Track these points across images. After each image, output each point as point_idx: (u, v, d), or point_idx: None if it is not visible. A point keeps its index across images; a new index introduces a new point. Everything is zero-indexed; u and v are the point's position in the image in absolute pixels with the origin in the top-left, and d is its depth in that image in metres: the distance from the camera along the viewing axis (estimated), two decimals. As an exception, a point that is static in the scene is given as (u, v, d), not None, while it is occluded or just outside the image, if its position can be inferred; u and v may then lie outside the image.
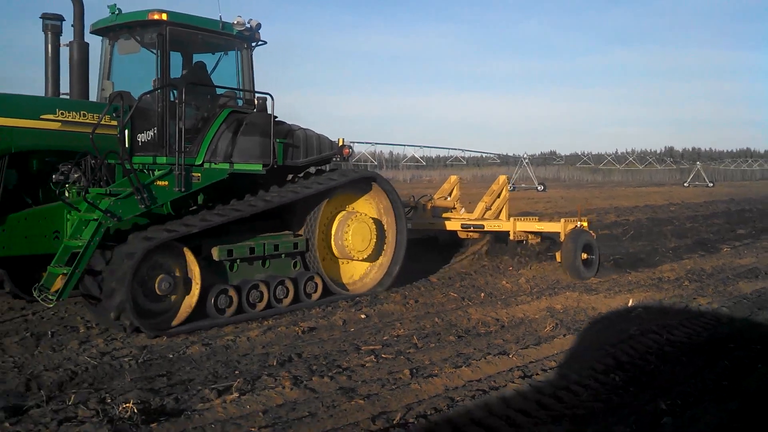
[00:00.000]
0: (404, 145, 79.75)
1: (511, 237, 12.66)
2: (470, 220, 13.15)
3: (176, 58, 9.83)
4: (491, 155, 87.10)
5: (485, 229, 12.93)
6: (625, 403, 5.69)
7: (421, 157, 76.22)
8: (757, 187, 58.16)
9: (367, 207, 10.54)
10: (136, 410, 5.25)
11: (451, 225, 13.12)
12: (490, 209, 13.53)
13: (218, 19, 9.27)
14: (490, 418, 5.26)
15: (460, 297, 10.07)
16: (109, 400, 5.64)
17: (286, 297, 9.18)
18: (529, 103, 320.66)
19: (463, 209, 13.89)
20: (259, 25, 9.59)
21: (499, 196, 13.76)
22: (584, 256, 11.83)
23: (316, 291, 9.55)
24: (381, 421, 5.24)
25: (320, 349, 7.33)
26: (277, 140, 9.28)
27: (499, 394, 5.81)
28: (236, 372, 6.49)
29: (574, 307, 9.39)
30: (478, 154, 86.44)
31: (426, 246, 13.38)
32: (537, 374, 6.40)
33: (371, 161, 75.90)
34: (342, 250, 9.95)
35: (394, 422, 5.23)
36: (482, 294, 10.30)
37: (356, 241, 9.91)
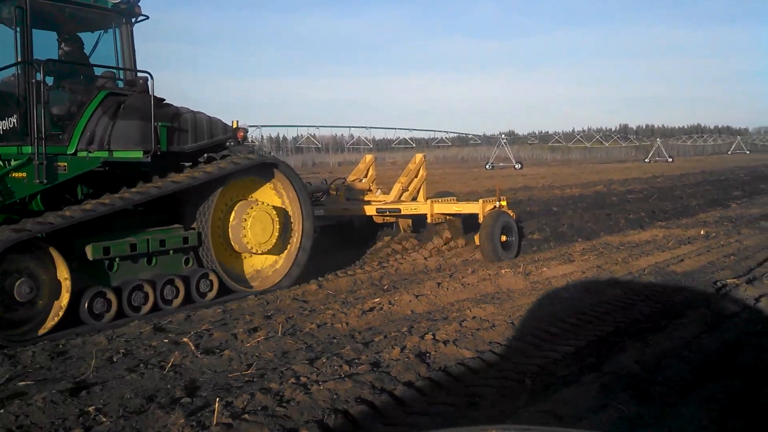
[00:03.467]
0: (368, 128, 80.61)
1: (429, 220, 12.03)
2: (386, 203, 12.43)
3: (50, 38, 8.87)
4: (473, 136, 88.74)
5: (402, 213, 12.26)
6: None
7: (368, 139, 77.00)
8: (712, 160, 63.37)
9: (270, 195, 9.71)
10: None
11: (366, 209, 12.36)
12: (407, 191, 12.84)
13: None
14: None
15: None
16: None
17: (176, 297, 8.34)
18: (483, 83, 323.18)
19: (379, 191, 13.18)
20: None
21: (416, 176, 13.06)
22: (503, 238, 11.27)
23: (211, 289, 8.70)
24: None
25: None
26: (160, 124, 8.38)
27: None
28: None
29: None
30: (444, 135, 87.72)
31: (341, 233, 12.63)
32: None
33: (317, 144, 75.71)
34: (240, 243, 9.10)
35: None
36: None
37: (256, 233, 9.08)
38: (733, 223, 14.75)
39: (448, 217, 12.38)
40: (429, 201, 12.23)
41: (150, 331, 7.21)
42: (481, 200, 11.92)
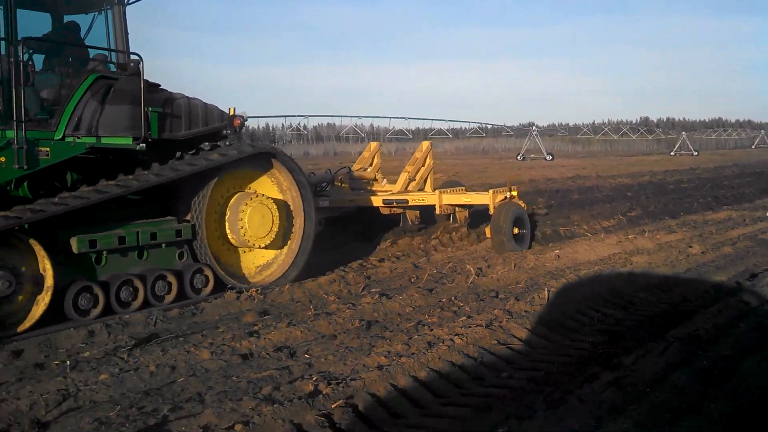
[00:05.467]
0: (390, 118, 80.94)
1: (437, 211, 11.56)
2: (393, 194, 11.93)
3: (44, 20, 8.48)
4: (505, 127, 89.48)
5: (409, 203, 11.76)
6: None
7: (406, 130, 77.64)
8: (738, 154, 63.97)
9: (269, 187, 9.24)
10: None
11: (373, 200, 11.86)
12: (414, 180, 12.34)
13: None
14: None
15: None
16: None
17: (168, 293, 7.90)
18: (498, 73, 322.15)
19: (385, 180, 12.68)
20: None
21: (423, 165, 12.56)
22: (515, 230, 10.80)
23: (206, 285, 8.26)
24: None
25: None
26: (150, 109, 7.93)
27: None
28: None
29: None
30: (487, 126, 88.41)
31: (346, 225, 12.17)
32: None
33: (359, 134, 76.00)
34: (238, 237, 8.64)
35: None
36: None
37: (254, 226, 8.61)
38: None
39: (457, 209, 11.88)
40: (437, 191, 11.74)
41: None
42: (491, 191, 11.43)
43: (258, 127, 79.55)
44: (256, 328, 6.79)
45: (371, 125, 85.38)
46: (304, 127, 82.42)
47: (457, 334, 6.15)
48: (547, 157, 54.58)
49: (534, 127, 68.76)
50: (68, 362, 5.80)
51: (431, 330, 6.45)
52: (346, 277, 9.15)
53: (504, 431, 4.23)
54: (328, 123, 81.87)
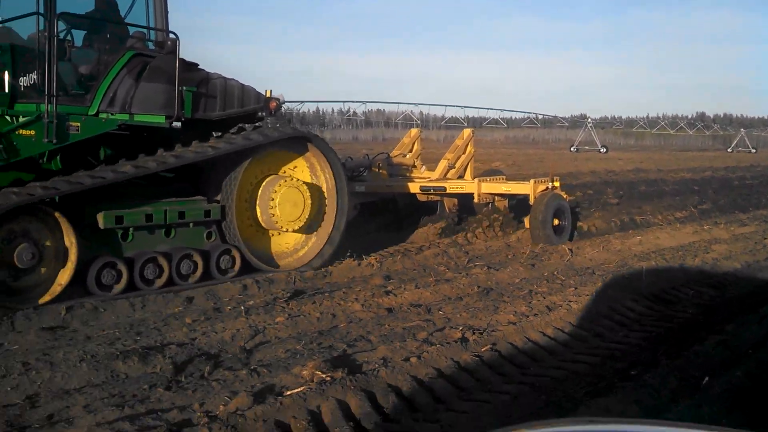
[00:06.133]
0: (445, 106, 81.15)
1: (476, 200, 11.26)
2: (430, 181, 11.68)
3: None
4: (559, 118, 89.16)
5: (447, 191, 11.45)
6: None
7: (462, 118, 77.85)
8: None
9: (303, 171, 9.15)
10: None
11: (410, 187, 11.62)
12: (454, 168, 12.08)
13: None
14: None
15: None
16: None
17: (193, 273, 7.90)
18: (550, 64, 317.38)
19: (424, 167, 12.44)
20: None
21: (464, 153, 12.29)
22: (555, 222, 10.51)
23: (233, 266, 8.23)
24: None
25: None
26: (185, 88, 7.90)
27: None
28: None
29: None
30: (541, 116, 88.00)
31: (383, 211, 12.00)
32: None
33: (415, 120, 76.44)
34: (269, 220, 8.58)
35: None
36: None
37: (285, 210, 8.53)
38: None
39: (496, 198, 11.60)
40: (476, 180, 11.45)
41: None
42: (532, 180, 11.10)
43: (308, 111, 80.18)
44: (388, 288, 7.77)
45: (420, 112, 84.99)
46: (354, 112, 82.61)
47: (570, 301, 7.04)
48: (602, 150, 53.70)
49: (589, 119, 67.82)
50: (242, 308, 6.89)
51: (545, 297, 7.30)
52: (448, 251, 9.92)
53: (636, 373, 5.13)
54: (378, 109, 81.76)
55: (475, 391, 4.86)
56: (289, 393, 4.56)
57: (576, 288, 7.68)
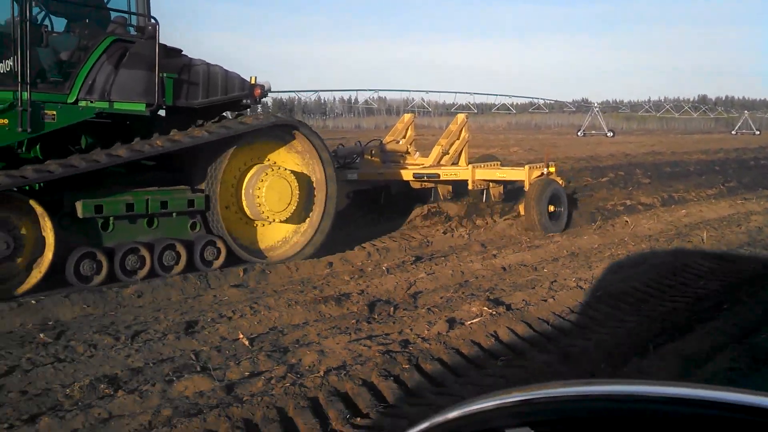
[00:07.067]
0: (455, 93, 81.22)
1: (470, 186, 11.01)
2: (424, 168, 11.47)
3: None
4: (566, 103, 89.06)
5: (441, 178, 11.25)
6: None
7: (472, 104, 77.99)
8: None
9: (291, 159, 8.95)
10: None
11: (403, 174, 11.43)
12: (448, 154, 11.86)
13: None
14: None
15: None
16: None
17: (176, 264, 7.73)
18: (549, 49, 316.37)
19: (417, 153, 12.23)
20: None
21: (458, 139, 12.08)
22: (551, 208, 10.29)
23: (218, 258, 8.05)
24: None
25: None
26: (166, 75, 7.71)
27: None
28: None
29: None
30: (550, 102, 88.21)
31: (375, 200, 11.81)
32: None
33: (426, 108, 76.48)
34: (254, 210, 8.40)
35: None
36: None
37: (272, 200, 8.35)
38: None
39: (491, 184, 11.37)
40: (470, 166, 11.24)
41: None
42: (527, 166, 10.88)
43: (310, 100, 80.00)
44: (492, 253, 8.94)
45: (422, 99, 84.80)
46: (356, 100, 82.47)
47: (648, 260, 8.19)
48: (609, 134, 53.87)
49: (596, 104, 67.97)
50: (383, 267, 8.14)
51: (626, 257, 8.57)
52: (514, 225, 10.56)
53: (726, 307, 6.34)
54: (378, 96, 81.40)
55: (607, 321, 6.06)
56: (469, 322, 5.79)
57: (650, 251, 8.90)
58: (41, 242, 6.75)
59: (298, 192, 8.54)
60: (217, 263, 8.02)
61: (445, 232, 10.23)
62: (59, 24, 8.11)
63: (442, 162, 11.75)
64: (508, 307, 6.29)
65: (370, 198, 11.79)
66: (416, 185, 11.67)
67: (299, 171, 8.88)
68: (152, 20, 7.81)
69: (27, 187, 6.75)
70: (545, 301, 6.53)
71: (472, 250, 9.14)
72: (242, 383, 4.53)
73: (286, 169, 8.61)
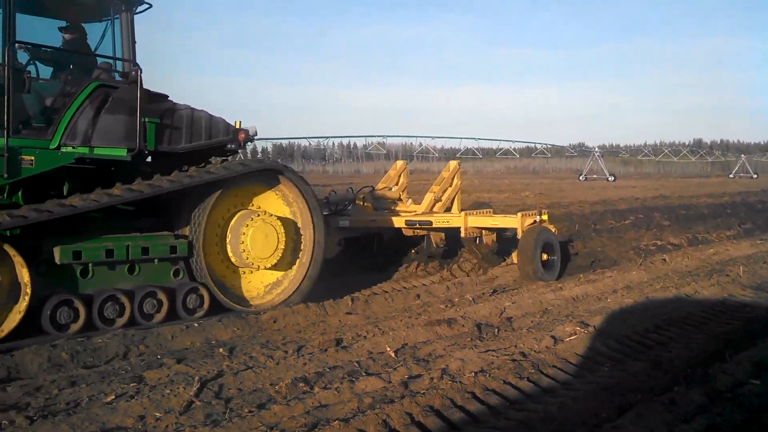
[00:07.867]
0: (460, 138, 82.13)
1: (463, 234, 10.84)
2: (416, 215, 11.33)
3: (52, 25, 8.33)
4: (567, 147, 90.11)
5: (433, 225, 11.08)
6: None
7: (477, 149, 78.59)
8: None
9: (277, 205, 8.83)
10: None
11: (395, 221, 11.28)
12: (440, 201, 11.74)
13: None
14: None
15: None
16: None
17: (158, 312, 7.55)
18: (544, 93, 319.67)
19: (410, 200, 12.12)
20: None
21: (450, 185, 11.97)
22: (544, 256, 10.11)
23: (201, 306, 7.87)
24: None
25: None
26: (147, 120, 7.63)
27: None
28: None
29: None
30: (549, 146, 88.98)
31: (367, 247, 11.67)
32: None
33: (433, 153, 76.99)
34: (239, 257, 8.25)
35: None
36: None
37: (257, 246, 8.20)
38: None
39: (484, 232, 11.22)
40: (463, 213, 11.08)
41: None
42: (519, 213, 10.73)
43: (309, 145, 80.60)
44: (555, 287, 9.53)
45: (420, 143, 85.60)
46: (355, 145, 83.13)
47: (698, 291, 9.10)
48: (610, 178, 54.06)
49: (596, 149, 68.94)
50: (468, 297, 9.01)
51: (677, 289, 9.33)
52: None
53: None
54: (378, 142, 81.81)
55: (679, 338, 6.86)
56: (568, 339, 6.66)
57: (695, 283, 9.57)
58: (17, 289, 6.58)
59: (284, 238, 8.41)
60: (201, 312, 7.84)
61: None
62: (45, 71, 8.08)
63: (435, 209, 11.64)
64: (594, 328, 7.04)
65: (361, 245, 11.65)
66: (408, 232, 11.52)
67: (286, 217, 8.76)
68: (135, 66, 7.77)
69: (8, 233, 6.61)
70: (623, 322, 7.36)
71: (534, 285, 9.82)
72: (410, 382, 5.47)
73: (272, 214, 8.49)
